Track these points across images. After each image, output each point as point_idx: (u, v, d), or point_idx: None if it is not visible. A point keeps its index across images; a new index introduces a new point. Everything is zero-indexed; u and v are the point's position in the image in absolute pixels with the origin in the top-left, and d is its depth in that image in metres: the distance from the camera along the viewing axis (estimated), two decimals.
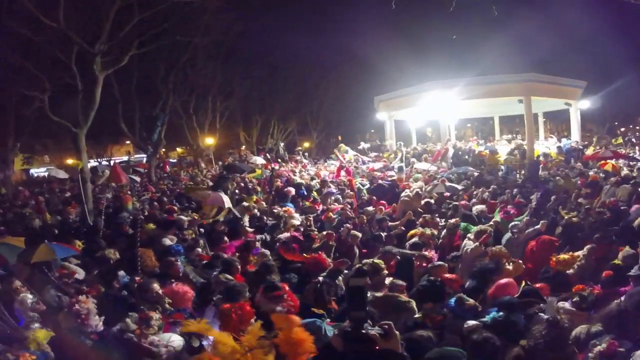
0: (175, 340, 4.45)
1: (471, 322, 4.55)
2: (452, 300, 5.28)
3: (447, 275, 6.09)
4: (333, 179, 17.66)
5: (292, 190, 14.53)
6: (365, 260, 6.99)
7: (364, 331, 3.47)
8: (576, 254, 7.04)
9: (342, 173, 18.12)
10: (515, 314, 4.61)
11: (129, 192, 15.56)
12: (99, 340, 4.50)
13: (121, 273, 6.44)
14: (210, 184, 16.71)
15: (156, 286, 5.37)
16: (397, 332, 3.70)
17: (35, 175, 37.30)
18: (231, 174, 18.18)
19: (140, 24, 15.54)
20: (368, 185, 16.28)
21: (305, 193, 15.74)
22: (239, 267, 6.97)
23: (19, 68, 15.85)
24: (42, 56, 15.22)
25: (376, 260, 6.79)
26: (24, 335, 4.28)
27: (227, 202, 11.08)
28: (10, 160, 23.68)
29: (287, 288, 5.60)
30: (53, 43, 13.87)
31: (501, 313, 4.62)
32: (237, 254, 8.01)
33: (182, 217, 10.72)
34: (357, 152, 24.38)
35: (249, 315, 4.43)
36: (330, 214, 11.65)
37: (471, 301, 5.15)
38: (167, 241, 8.47)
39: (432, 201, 12.36)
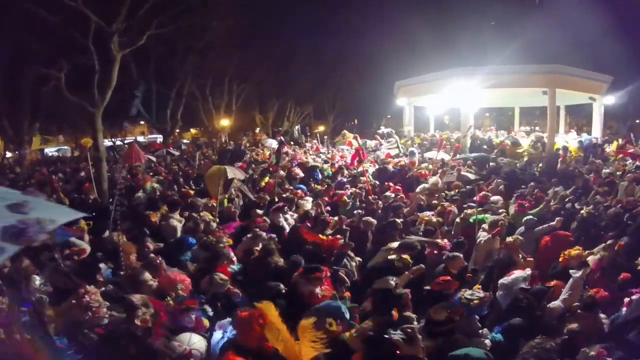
0: (196, 341, 4.09)
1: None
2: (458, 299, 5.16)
3: (442, 277, 5.93)
4: (347, 166, 17.53)
5: (300, 173, 14.38)
6: (393, 256, 6.78)
7: (386, 335, 3.37)
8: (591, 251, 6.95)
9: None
10: (519, 339, 4.49)
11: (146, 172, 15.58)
12: (107, 335, 4.22)
13: (102, 266, 6.10)
14: None
15: (148, 276, 5.13)
16: (420, 337, 3.62)
17: (49, 154, 37.68)
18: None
19: (159, 3, 15.41)
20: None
21: (320, 177, 15.76)
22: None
23: (35, 48, 15.91)
24: (59, 36, 15.19)
25: (404, 256, 6.69)
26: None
27: (235, 174, 10.99)
28: (25, 141, 24.00)
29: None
30: (70, 22, 13.81)
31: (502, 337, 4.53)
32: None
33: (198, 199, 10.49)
34: (377, 137, 24.25)
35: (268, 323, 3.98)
36: (345, 197, 11.59)
37: (477, 299, 5.00)
38: (175, 222, 8.41)
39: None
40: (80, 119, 24.13)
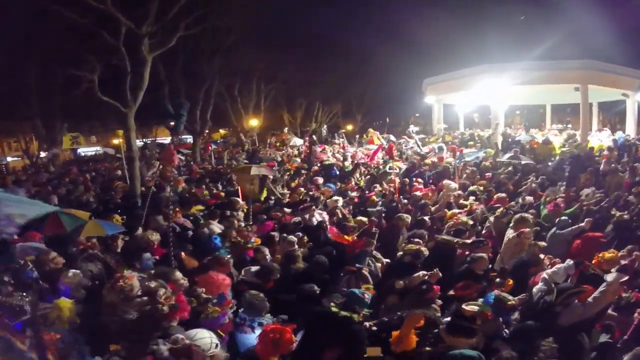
0: (202, 338, 3.98)
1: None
2: (492, 297, 5.09)
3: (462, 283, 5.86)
4: (367, 162, 17.65)
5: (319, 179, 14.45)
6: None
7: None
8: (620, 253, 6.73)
9: (379, 156, 18.21)
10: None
11: (175, 173, 15.83)
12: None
13: (147, 255, 6.38)
14: None
15: (179, 275, 5.20)
16: None
17: (83, 154, 38.63)
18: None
19: (187, 5, 15.60)
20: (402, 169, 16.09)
21: (337, 173, 15.99)
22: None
23: (67, 50, 16.29)
24: (90, 38, 15.54)
25: (409, 246, 6.87)
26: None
27: (260, 171, 11.12)
28: (58, 141, 24.68)
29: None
30: (101, 24, 14.10)
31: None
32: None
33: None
34: (406, 135, 24.16)
35: (286, 343, 3.90)
36: (374, 197, 11.59)
37: (512, 301, 4.95)
38: (215, 228, 8.47)
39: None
40: (111, 119, 24.62)
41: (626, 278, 5.46)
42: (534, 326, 4.61)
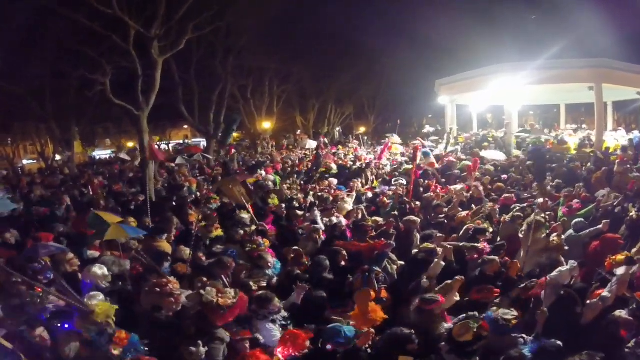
0: None
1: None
2: (491, 314, 4.86)
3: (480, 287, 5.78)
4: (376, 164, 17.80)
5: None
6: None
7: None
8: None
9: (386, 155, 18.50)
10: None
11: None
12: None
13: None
14: None
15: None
16: None
17: (97, 157, 39.03)
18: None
19: (195, 7, 15.66)
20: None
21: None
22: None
23: (79, 53, 16.47)
24: (101, 41, 15.69)
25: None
26: (88, 309, 4.33)
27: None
28: (72, 144, 24.96)
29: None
30: (110, 29, 14.23)
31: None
32: None
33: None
34: (421, 137, 24.12)
35: (300, 345, 4.52)
36: (384, 198, 11.55)
37: (514, 319, 4.74)
38: None
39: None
40: (125, 122, 24.80)
41: (635, 269, 5.58)
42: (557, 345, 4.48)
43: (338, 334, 4.51)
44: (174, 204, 11.65)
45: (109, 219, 6.88)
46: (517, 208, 9.58)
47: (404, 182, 13.38)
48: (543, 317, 4.71)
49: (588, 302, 5.24)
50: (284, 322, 5.25)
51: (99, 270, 5.63)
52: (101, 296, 4.64)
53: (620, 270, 5.54)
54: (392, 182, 13.83)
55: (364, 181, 15.09)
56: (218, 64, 24.67)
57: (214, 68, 24.81)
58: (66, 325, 4.46)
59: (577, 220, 8.60)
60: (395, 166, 17.57)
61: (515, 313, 4.83)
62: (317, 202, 11.12)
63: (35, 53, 18.80)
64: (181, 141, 44.04)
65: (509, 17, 31.07)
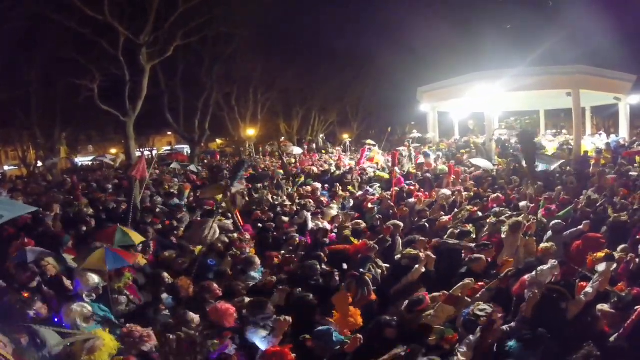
0: None
1: None
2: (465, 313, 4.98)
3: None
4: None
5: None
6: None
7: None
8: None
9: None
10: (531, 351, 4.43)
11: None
12: None
13: (164, 296, 6.05)
14: None
15: (193, 316, 5.13)
16: None
17: (80, 164, 38.61)
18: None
19: (185, 15, 15.77)
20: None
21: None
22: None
23: (67, 59, 16.43)
24: (90, 48, 15.67)
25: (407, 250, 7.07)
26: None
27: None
28: (56, 150, 24.69)
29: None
30: (99, 35, 14.26)
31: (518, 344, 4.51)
32: None
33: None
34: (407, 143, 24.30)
35: None
36: (369, 204, 11.63)
37: (485, 316, 4.79)
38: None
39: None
40: (109, 129, 24.65)
41: (615, 266, 5.90)
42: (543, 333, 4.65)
43: (329, 336, 4.61)
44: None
45: (135, 237, 7.14)
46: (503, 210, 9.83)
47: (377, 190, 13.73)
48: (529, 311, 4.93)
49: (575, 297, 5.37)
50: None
51: (96, 279, 5.68)
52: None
53: (601, 267, 5.80)
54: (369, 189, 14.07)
55: (350, 187, 15.17)
56: (204, 72, 24.76)
57: (200, 76, 24.89)
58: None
59: (555, 221, 8.83)
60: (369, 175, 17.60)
61: (492, 308, 4.89)
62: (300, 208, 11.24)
63: (23, 60, 18.66)
64: (168, 148, 43.83)
65: (490, 25, 31.69)
